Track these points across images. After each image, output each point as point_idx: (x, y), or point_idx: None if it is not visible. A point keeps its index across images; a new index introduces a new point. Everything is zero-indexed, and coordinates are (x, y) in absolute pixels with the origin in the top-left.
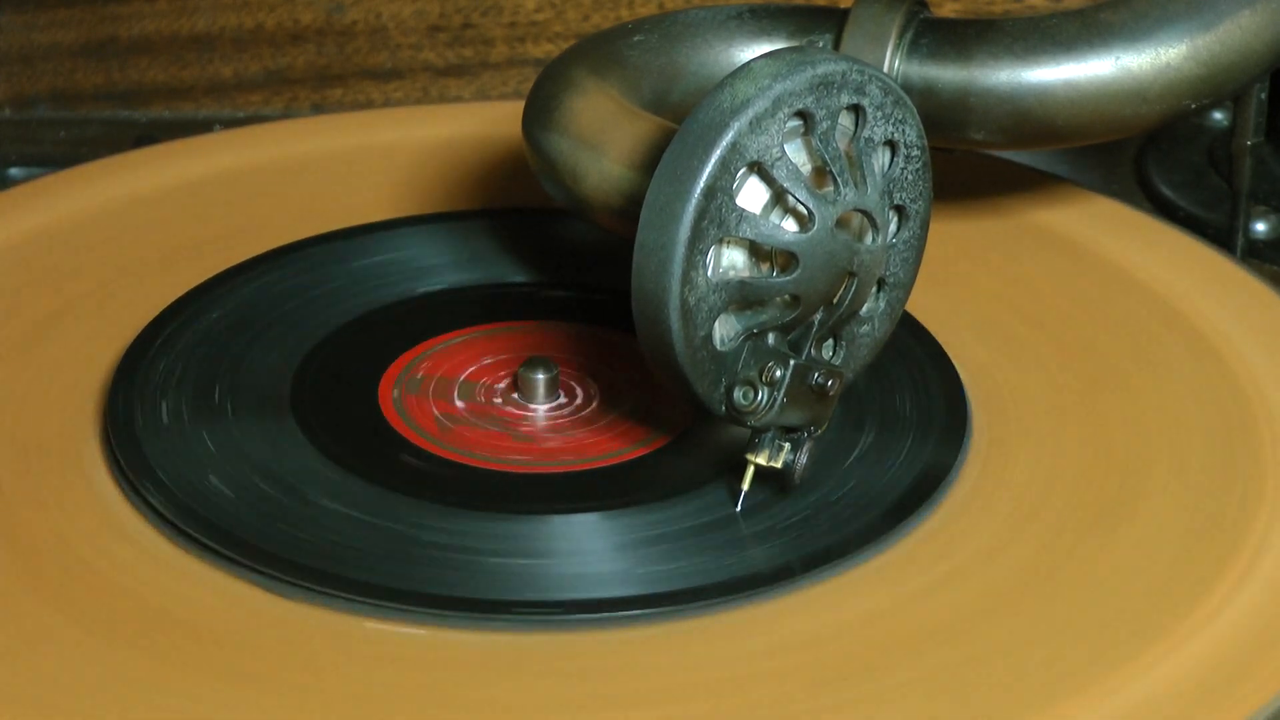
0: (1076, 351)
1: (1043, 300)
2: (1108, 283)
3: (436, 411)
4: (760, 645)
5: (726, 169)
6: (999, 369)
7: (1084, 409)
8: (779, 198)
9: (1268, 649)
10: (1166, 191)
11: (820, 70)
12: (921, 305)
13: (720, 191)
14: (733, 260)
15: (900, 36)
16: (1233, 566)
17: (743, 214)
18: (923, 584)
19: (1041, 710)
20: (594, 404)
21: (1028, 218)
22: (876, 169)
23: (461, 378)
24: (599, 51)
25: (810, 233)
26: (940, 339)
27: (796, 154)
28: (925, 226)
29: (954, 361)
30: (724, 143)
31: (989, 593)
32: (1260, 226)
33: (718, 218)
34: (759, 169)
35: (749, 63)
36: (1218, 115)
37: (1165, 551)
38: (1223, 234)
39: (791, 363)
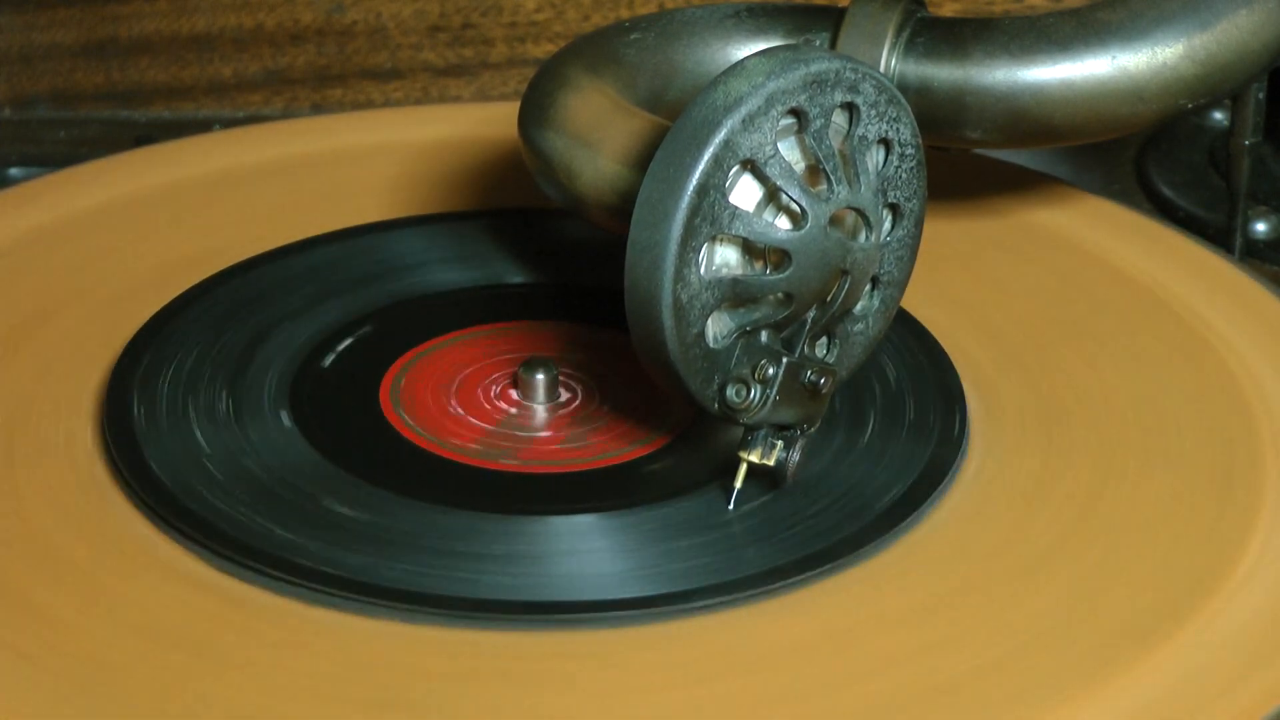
0: (1075, 352)
1: (1041, 301)
2: (1106, 283)
3: (435, 412)
4: (756, 646)
5: (719, 166)
6: (997, 369)
7: (1082, 409)
8: (772, 195)
9: (1269, 651)
10: (1166, 191)
11: (814, 68)
12: (919, 305)
13: (713, 189)
14: (726, 258)
15: (897, 35)
16: (1234, 569)
17: (736, 211)
18: (920, 585)
19: (1041, 711)
20: (593, 404)
21: (1026, 218)
22: (870, 167)
23: (461, 378)
24: (595, 49)
25: (803, 231)
26: (938, 339)
27: (790, 152)
28: (920, 225)
29: (952, 361)
30: (717, 140)
31: (987, 594)
32: (1260, 226)
33: (710, 215)
34: (752, 167)
35: (742, 60)
36: (1218, 115)
37: (1166, 553)
38: (1223, 234)
39: (784, 360)
